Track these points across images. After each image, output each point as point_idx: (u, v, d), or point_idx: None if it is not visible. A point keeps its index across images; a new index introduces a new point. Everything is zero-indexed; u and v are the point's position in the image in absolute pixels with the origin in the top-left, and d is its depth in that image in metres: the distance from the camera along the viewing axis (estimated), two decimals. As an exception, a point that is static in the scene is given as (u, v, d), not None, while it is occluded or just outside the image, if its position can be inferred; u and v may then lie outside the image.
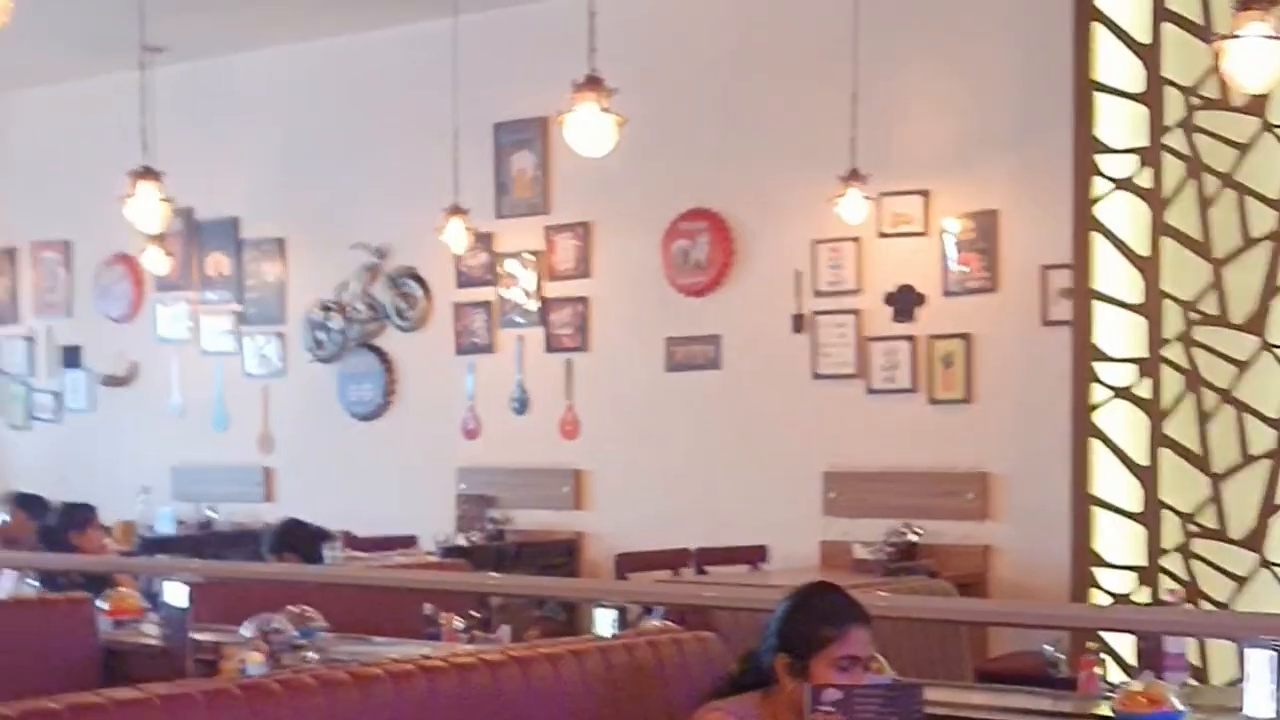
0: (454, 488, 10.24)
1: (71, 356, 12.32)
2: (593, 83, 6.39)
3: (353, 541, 8.48)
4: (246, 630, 4.70)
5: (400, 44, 10.55)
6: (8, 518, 8.04)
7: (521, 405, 10.14)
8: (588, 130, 6.46)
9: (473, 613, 5.61)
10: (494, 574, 7.39)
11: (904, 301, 8.78)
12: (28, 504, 8.20)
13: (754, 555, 8.76)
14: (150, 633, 5.16)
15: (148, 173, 8.23)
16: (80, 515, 7.36)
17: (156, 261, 10.49)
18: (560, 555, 9.74)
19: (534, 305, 10.07)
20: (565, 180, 9.93)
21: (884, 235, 8.79)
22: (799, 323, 9.08)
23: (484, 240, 10.02)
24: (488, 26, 9.93)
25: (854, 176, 8.29)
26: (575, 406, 9.93)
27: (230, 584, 5.73)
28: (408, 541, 9.47)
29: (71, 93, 12.03)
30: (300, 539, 6.96)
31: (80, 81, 11.80)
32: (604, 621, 4.46)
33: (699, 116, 9.49)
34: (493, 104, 10.05)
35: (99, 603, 5.38)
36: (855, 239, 8.82)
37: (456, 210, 9.24)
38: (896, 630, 4.74)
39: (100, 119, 11.40)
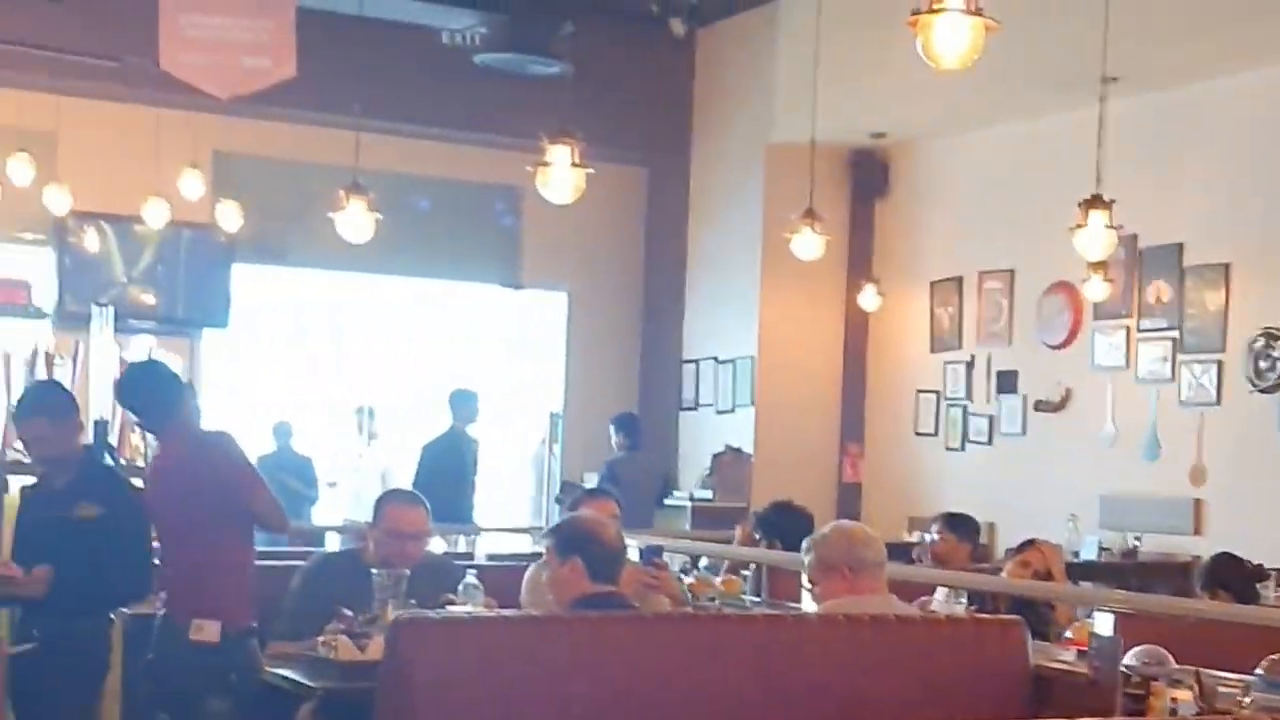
0: None
1: (1007, 381, 12.55)
2: None
3: (1292, 582, 8.06)
4: (1131, 660, 4.59)
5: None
6: (937, 536, 8.28)
7: None
8: None
9: None
10: None
11: None
12: (957, 524, 8.39)
13: None
14: (1077, 662, 5.11)
15: (1098, 201, 8.25)
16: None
17: (1097, 289, 10.55)
18: None
19: None
20: None
21: None
22: None
23: None
24: None
25: None
26: None
27: (1158, 618, 5.58)
28: (1349, 585, 8.87)
29: (1024, 128, 12.25)
30: (1234, 576, 6.75)
31: (1033, 117, 12.00)
32: None
33: None
34: None
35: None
36: None
37: None
38: None
39: (1050, 151, 11.59)
